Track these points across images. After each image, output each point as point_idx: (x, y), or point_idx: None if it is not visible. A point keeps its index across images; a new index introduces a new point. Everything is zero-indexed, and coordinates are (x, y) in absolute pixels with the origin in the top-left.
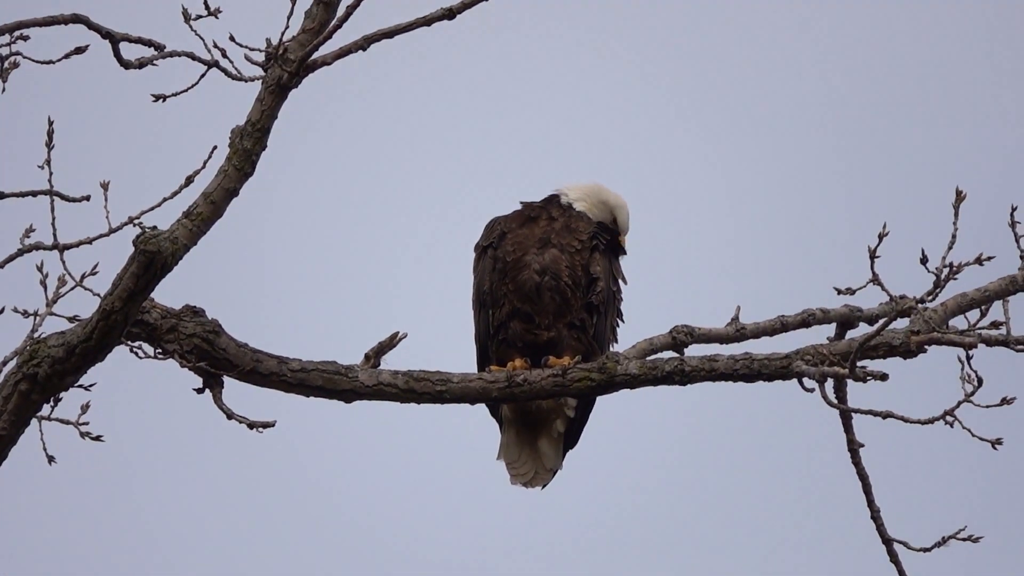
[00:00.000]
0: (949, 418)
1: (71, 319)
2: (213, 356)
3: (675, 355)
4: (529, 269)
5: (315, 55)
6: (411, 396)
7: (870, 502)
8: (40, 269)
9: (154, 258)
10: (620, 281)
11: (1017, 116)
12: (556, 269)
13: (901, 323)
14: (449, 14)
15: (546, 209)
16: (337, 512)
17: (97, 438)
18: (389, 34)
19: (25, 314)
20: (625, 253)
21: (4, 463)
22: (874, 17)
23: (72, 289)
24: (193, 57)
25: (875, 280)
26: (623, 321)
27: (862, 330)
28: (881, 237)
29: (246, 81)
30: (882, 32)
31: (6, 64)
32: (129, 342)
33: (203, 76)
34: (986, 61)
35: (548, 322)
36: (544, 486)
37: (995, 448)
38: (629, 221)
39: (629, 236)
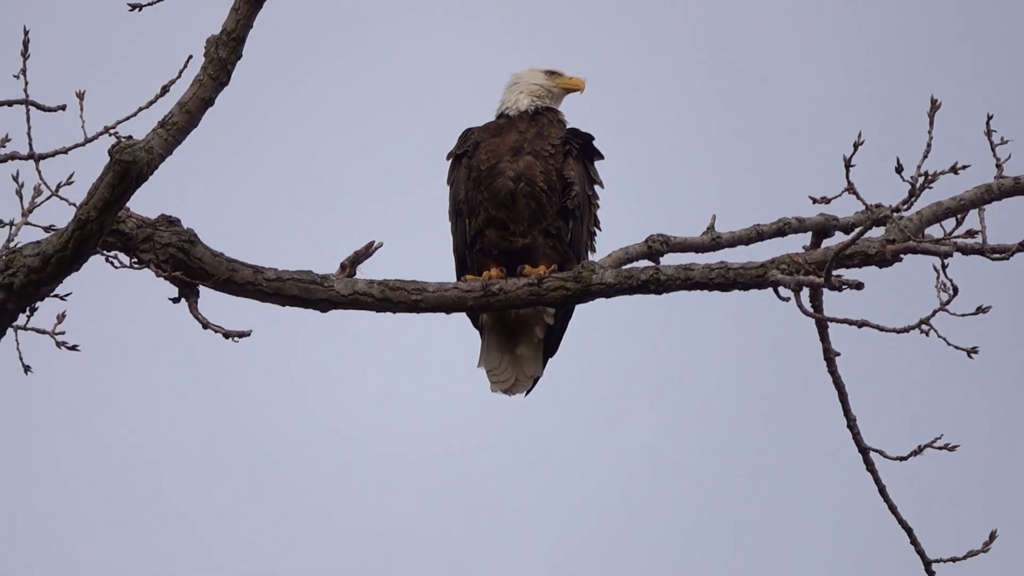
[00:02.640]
0: (925, 327)
1: (47, 229)
2: (188, 265)
3: (651, 264)
4: (503, 176)
5: None
6: (387, 305)
7: (846, 411)
8: (16, 179)
9: (129, 167)
10: (596, 186)
11: (993, 23)
12: (531, 175)
13: (876, 232)
14: None
15: (518, 119)
16: (315, 424)
17: (73, 348)
18: None
19: (1, 224)
20: (602, 157)
21: None
22: None
23: (48, 199)
24: None
25: (850, 189)
26: (600, 229)
27: (838, 239)
28: (856, 146)
29: None
30: None
31: None
32: (105, 252)
33: None
34: None
35: (523, 229)
36: (526, 393)
37: (971, 356)
38: (565, 72)
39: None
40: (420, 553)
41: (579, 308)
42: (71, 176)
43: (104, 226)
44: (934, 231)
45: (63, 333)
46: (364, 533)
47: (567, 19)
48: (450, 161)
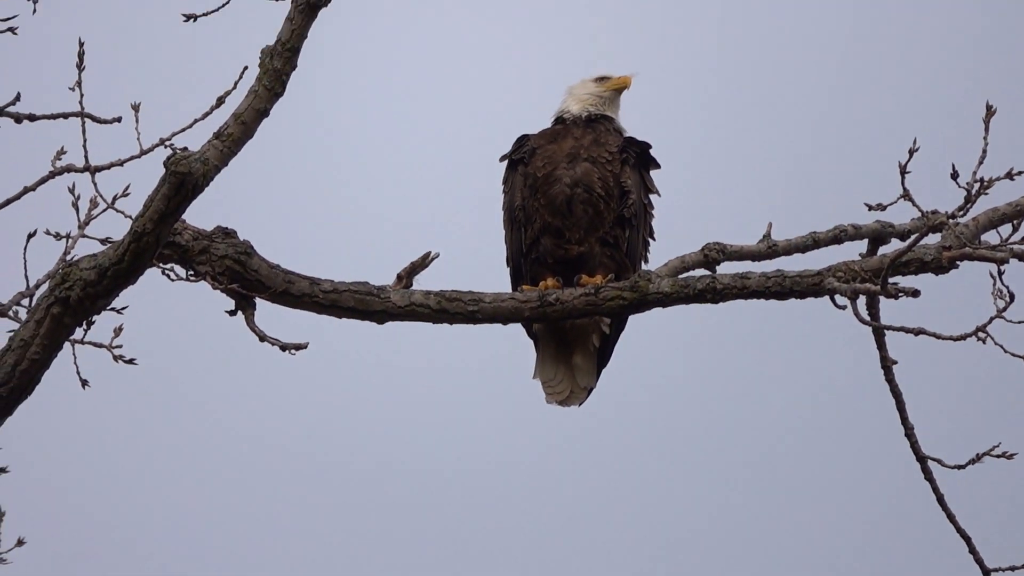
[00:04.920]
0: (981, 334)
1: (103, 241)
2: (245, 277)
3: (707, 273)
4: (560, 183)
5: None
6: (443, 316)
7: (904, 420)
8: (72, 191)
9: (185, 179)
10: (652, 195)
11: None
12: (588, 181)
13: (932, 239)
14: None
15: (573, 126)
16: (372, 436)
17: (130, 361)
18: None
19: (57, 236)
20: (658, 166)
21: (38, 387)
22: None
23: (104, 211)
24: None
25: (906, 196)
26: (654, 239)
27: (894, 246)
28: (911, 153)
29: (276, 0)
30: None
31: None
32: (161, 264)
33: None
34: None
35: (579, 236)
36: (580, 404)
37: None
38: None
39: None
40: (476, 564)
41: (632, 317)
42: (127, 188)
43: (160, 238)
44: (990, 237)
45: (120, 347)
46: (417, 542)
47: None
48: (505, 165)
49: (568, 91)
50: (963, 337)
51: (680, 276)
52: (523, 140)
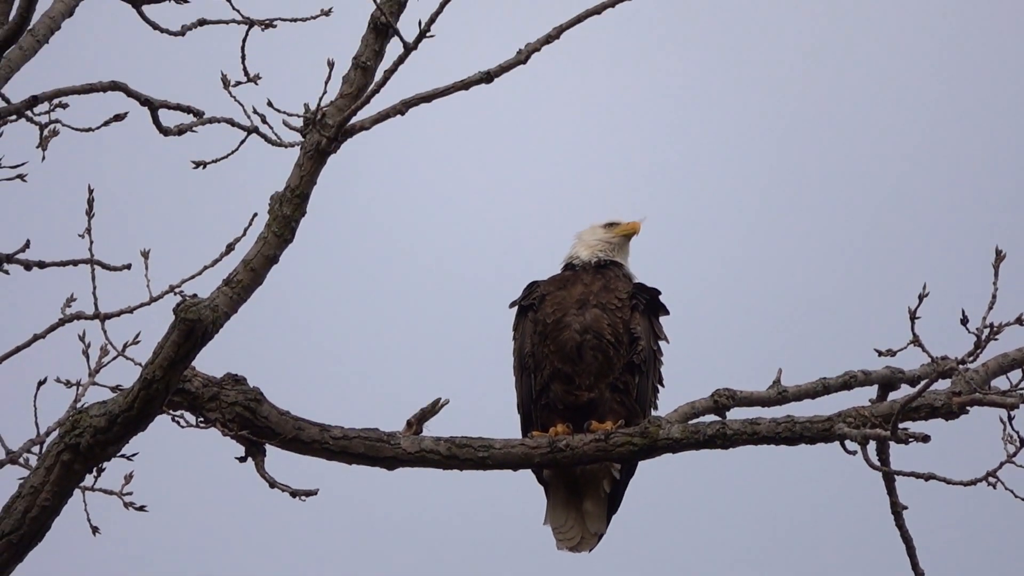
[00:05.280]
0: (992, 479)
1: (113, 388)
2: (255, 424)
3: (717, 419)
4: (570, 329)
5: (353, 120)
6: (454, 462)
7: (914, 565)
8: (82, 339)
9: (195, 326)
10: (661, 341)
11: None
12: (598, 328)
13: (943, 384)
14: (487, 77)
15: (583, 272)
16: None
17: (141, 508)
18: (427, 98)
19: (68, 384)
20: (667, 313)
21: (48, 534)
22: (917, 83)
23: (114, 358)
24: (232, 123)
25: (916, 341)
26: (663, 386)
27: (904, 391)
28: (921, 298)
29: (285, 147)
30: (925, 98)
31: (46, 132)
32: (171, 411)
33: (243, 142)
34: None
35: (589, 382)
36: (591, 550)
37: None
38: (623, 217)
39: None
40: None
41: (643, 462)
42: (137, 335)
43: (170, 385)
44: (1000, 382)
45: (130, 493)
46: None
47: (628, 167)
48: (515, 311)
49: (577, 236)
50: (973, 482)
51: (690, 422)
52: (533, 286)
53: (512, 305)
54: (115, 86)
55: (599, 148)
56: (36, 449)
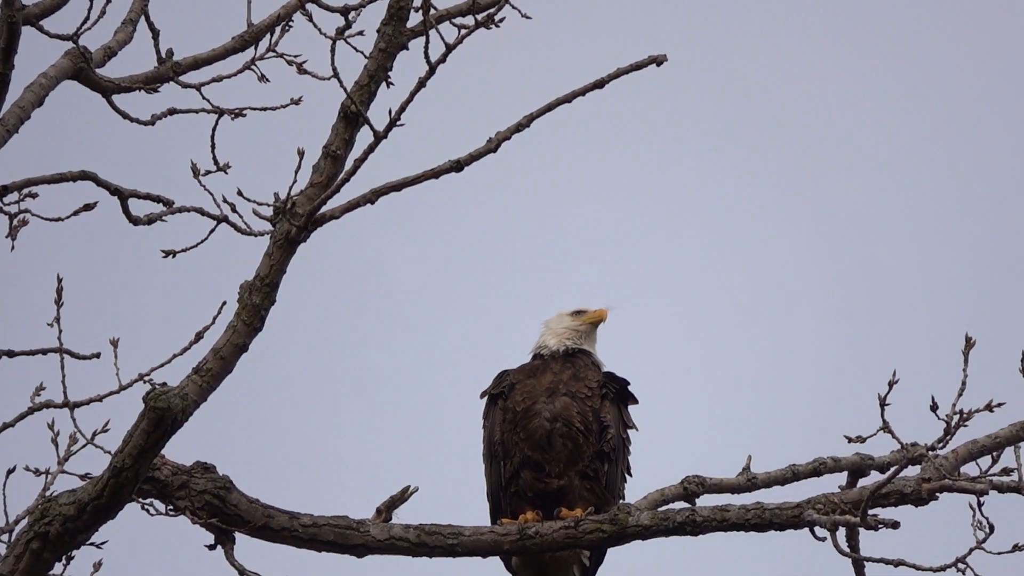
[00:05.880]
0: (961, 565)
1: (82, 477)
2: (224, 512)
3: (687, 505)
4: (540, 417)
5: (323, 209)
6: (423, 550)
7: None
8: (51, 427)
9: (164, 415)
10: (630, 430)
11: None
12: (567, 416)
13: (912, 471)
14: (457, 166)
15: (552, 360)
16: None
17: None
18: (397, 187)
19: (37, 472)
20: (636, 402)
21: None
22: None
23: (83, 447)
24: (202, 212)
25: (885, 428)
26: (631, 475)
27: (873, 478)
28: (891, 384)
29: (255, 235)
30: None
31: (15, 222)
32: (140, 499)
33: (212, 231)
34: (993, 204)
35: (559, 470)
36: None
37: None
38: (590, 305)
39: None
40: None
41: (612, 549)
42: (106, 424)
43: (139, 474)
44: (970, 469)
45: None
46: None
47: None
48: (485, 400)
49: (544, 325)
50: (943, 568)
51: (660, 509)
52: (503, 375)
53: (483, 395)
54: (85, 175)
55: (568, 233)
56: (5, 537)
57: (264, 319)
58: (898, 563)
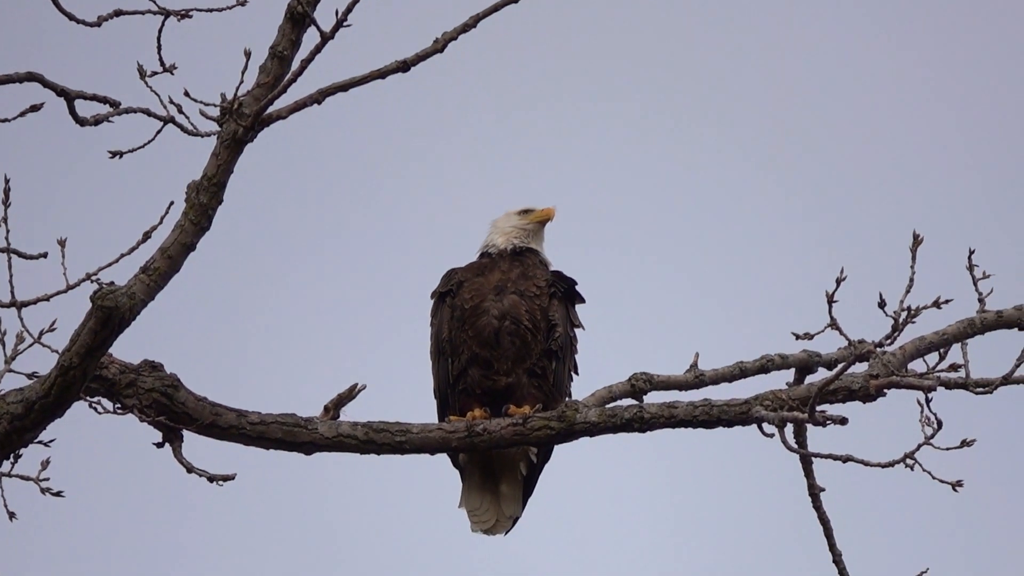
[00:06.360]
0: (909, 461)
1: (30, 376)
2: (172, 410)
3: (634, 402)
4: (488, 315)
5: (270, 109)
6: (371, 447)
7: (831, 546)
8: None
9: (111, 313)
10: (577, 329)
11: (974, 159)
12: (516, 314)
13: (860, 367)
14: (403, 66)
15: (500, 259)
16: (299, 566)
17: (58, 494)
18: (344, 87)
19: None
20: (583, 301)
21: None
22: (831, 63)
23: (30, 346)
24: (149, 113)
25: (833, 325)
26: (577, 373)
27: (821, 375)
28: (839, 282)
29: (202, 136)
30: (840, 76)
31: None
32: (88, 397)
33: (159, 132)
34: (943, 105)
35: (507, 367)
36: (506, 533)
37: (955, 490)
38: (537, 204)
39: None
40: None
41: (559, 447)
42: (53, 323)
43: (87, 372)
44: (917, 365)
45: (47, 479)
46: None
47: (551, 155)
48: (433, 300)
49: (492, 224)
50: (891, 464)
51: (607, 406)
52: (451, 274)
53: (433, 296)
54: (31, 77)
55: (514, 134)
56: None
57: (211, 219)
58: (846, 459)
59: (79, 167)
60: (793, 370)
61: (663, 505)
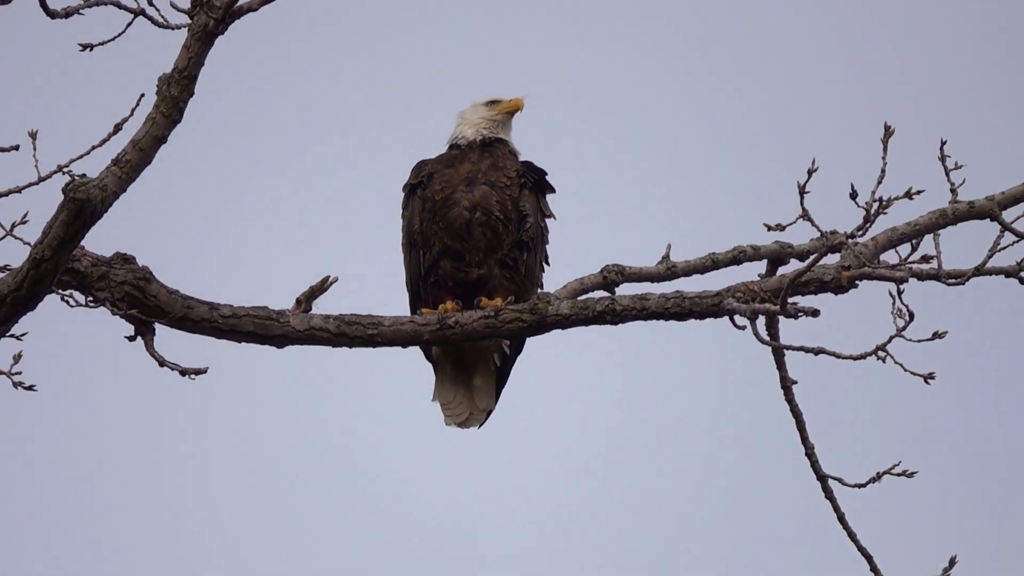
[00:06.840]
0: (881, 353)
1: (2, 269)
2: (144, 303)
3: (606, 294)
4: (459, 206)
5: (240, 1)
6: (343, 340)
7: (804, 439)
8: None
9: (83, 206)
10: (548, 219)
11: (946, 50)
12: (486, 205)
13: (832, 258)
14: None
15: (469, 150)
16: (272, 462)
17: (30, 388)
18: None
19: None
20: (554, 191)
21: None
22: None
23: (2, 239)
24: (119, 5)
25: (805, 216)
26: (548, 264)
27: (793, 266)
28: (810, 172)
29: (172, 28)
30: None
31: None
32: (60, 291)
33: (130, 24)
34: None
35: (479, 259)
36: (480, 426)
37: (927, 382)
38: (505, 96)
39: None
40: None
41: (532, 339)
42: (25, 215)
43: (59, 265)
44: (889, 257)
45: (20, 373)
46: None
47: (518, 47)
48: (404, 192)
49: (459, 116)
50: (863, 356)
51: (579, 298)
52: (421, 165)
53: (404, 188)
54: None
55: (481, 24)
56: None
57: (183, 111)
58: (818, 351)
59: (50, 60)
60: (765, 261)
61: (635, 398)
